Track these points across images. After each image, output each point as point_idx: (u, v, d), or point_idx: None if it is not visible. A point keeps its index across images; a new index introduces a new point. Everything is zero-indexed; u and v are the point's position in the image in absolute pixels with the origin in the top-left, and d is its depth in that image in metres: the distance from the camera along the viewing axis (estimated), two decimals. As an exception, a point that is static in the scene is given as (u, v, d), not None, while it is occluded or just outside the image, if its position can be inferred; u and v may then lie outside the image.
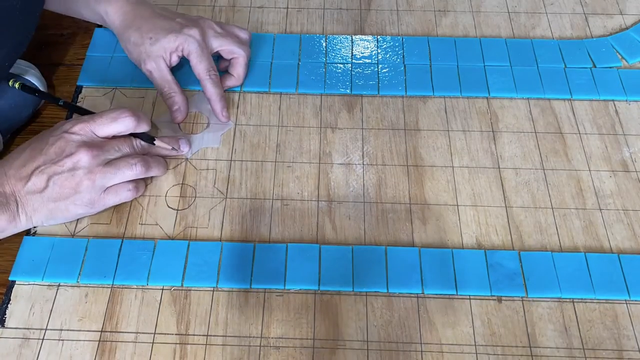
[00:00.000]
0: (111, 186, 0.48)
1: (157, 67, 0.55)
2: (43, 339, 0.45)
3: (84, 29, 0.65)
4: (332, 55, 0.61)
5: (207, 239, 0.50)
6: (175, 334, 0.45)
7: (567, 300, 0.47)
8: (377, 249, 0.49)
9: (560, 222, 0.51)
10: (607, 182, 0.53)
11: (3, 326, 0.45)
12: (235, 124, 0.57)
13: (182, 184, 0.53)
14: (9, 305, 0.46)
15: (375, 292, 0.47)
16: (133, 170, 0.49)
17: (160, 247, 0.49)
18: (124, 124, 0.49)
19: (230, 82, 0.58)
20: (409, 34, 0.64)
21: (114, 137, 0.49)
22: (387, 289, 0.47)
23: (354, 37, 0.63)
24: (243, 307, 0.46)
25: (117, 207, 0.51)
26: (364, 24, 0.65)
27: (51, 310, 0.46)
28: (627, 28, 0.64)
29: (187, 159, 0.54)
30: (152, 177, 0.53)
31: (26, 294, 0.47)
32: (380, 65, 0.61)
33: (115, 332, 0.45)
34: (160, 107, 0.58)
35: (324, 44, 0.62)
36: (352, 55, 0.61)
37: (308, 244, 0.49)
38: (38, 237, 0.49)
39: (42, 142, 0.47)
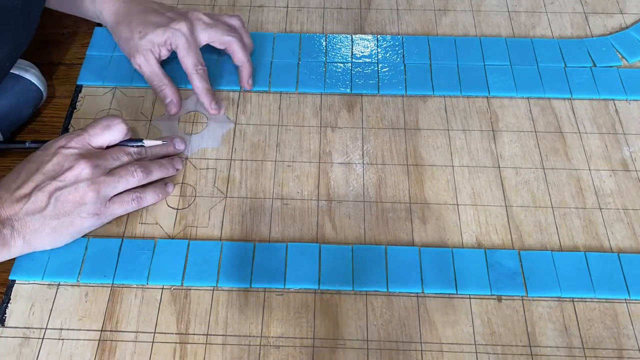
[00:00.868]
0: (115, 195, 0.48)
1: (146, 61, 0.55)
2: (43, 339, 0.45)
3: (84, 28, 0.65)
4: (332, 54, 0.61)
5: (207, 238, 0.50)
6: (175, 334, 0.45)
7: (567, 299, 0.47)
8: (377, 248, 0.49)
9: (560, 222, 0.51)
10: (607, 181, 0.53)
11: (3, 325, 0.45)
12: (235, 124, 0.57)
13: (182, 183, 0.53)
14: (9, 305, 0.46)
15: (375, 291, 0.47)
16: (135, 177, 0.48)
17: (160, 247, 0.49)
18: (117, 130, 0.49)
19: (243, 73, 0.58)
20: (409, 33, 0.64)
21: (108, 148, 0.49)
22: (387, 289, 0.47)
23: (354, 36, 0.63)
24: (243, 306, 0.46)
25: (117, 207, 0.51)
26: (364, 23, 0.65)
27: (51, 310, 0.46)
28: (627, 27, 0.64)
29: (186, 158, 0.54)
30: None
31: (26, 293, 0.47)
32: (380, 65, 0.61)
33: (115, 331, 0.45)
34: (161, 107, 0.58)
35: (324, 43, 0.62)
36: (352, 55, 0.61)
37: (308, 244, 0.49)
38: (38, 237, 0.49)
39: (37, 162, 0.46)
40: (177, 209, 0.51)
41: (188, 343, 0.45)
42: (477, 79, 0.59)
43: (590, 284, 0.47)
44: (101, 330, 0.45)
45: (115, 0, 0.56)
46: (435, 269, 0.48)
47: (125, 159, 0.49)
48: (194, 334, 0.45)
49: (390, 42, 0.62)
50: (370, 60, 0.61)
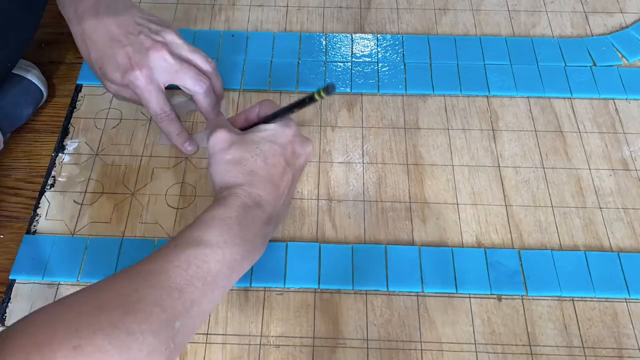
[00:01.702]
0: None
1: (123, 97, 0.53)
2: (43, 338, 0.45)
3: (84, 28, 0.65)
4: (332, 53, 0.61)
5: (207, 237, 0.50)
6: (176, 333, 0.45)
7: (567, 298, 0.47)
8: (377, 247, 0.49)
9: (560, 221, 0.51)
10: (607, 180, 0.53)
11: (3, 325, 0.45)
12: (235, 123, 0.57)
13: (182, 182, 0.53)
14: (9, 304, 0.46)
15: (375, 290, 0.47)
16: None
17: (161, 246, 0.49)
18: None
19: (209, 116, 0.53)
20: (409, 32, 0.64)
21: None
22: (387, 288, 0.47)
23: (354, 35, 0.63)
24: (243, 305, 0.46)
25: (117, 206, 0.51)
26: (364, 22, 0.65)
27: (51, 309, 0.46)
28: (627, 26, 0.64)
29: (186, 158, 0.54)
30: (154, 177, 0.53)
31: (26, 293, 0.47)
32: (380, 64, 0.61)
33: (115, 330, 0.45)
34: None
35: (324, 43, 0.62)
36: (352, 54, 0.61)
37: (308, 243, 0.49)
38: (38, 236, 0.49)
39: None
40: (177, 209, 0.51)
41: (188, 342, 0.45)
42: (477, 78, 0.59)
43: (590, 283, 0.47)
44: (101, 330, 0.45)
45: (88, 5, 0.50)
46: (435, 269, 0.48)
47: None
48: (194, 334, 0.45)
49: (390, 41, 0.62)
50: (370, 59, 0.61)
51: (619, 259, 0.48)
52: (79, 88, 0.59)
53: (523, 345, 0.45)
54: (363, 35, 0.63)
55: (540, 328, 0.46)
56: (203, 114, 0.53)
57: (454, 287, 0.47)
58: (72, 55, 0.63)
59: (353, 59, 0.61)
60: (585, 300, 0.47)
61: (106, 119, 0.57)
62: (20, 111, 0.55)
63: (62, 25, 0.65)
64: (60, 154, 0.54)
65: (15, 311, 0.46)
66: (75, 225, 0.50)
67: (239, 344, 0.45)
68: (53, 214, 0.51)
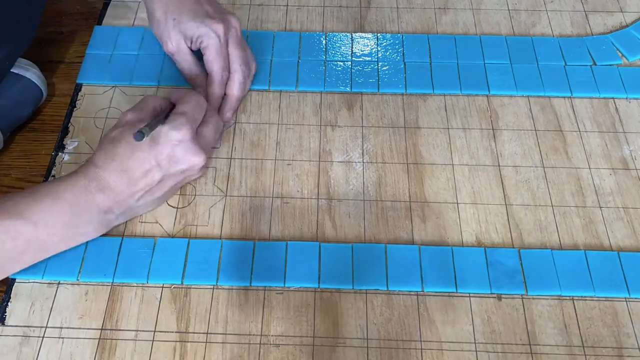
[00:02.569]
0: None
1: (178, 51, 0.54)
2: (43, 337, 0.45)
3: (84, 27, 0.65)
4: (332, 52, 0.61)
5: (207, 236, 0.50)
6: (175, 332, 0.45)
7: (567, 298, 0.47)
8: (377, 246, 0.49)
9: (560, 220, 0.51)
10: (607, 179, 0.53)
11: (3, 324, 0.45)
12: (235, 122, 0.57)
13: (182, 182, 0.53)
14: (9, 303, 0.46)
15: (375, 290, 0.47)
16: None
17: (160, 245, 0.49)
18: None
19: (227, 102, 0.55)
20: (409, 31, 0.64)
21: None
22: (387, 287, 0.47)
23: (354, 34, 0.63)
24: (243, 305, 0.46)
25: (117, 205, 0.51)
26: (363, 21, 0.65)
27: (51, 308, 0.46)
28: (627, 26, 0.64)
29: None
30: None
31: (26, 292, 0.47)
32: (380, 63, 0.60)
33: (115, 330, 0.45)
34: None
35: (323, 42, 0.62)
36: (352, 53, 0.61)
37: (308, 242, 0.49)
38: (38, 235, 0.49)
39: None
40: (177, 208, 0.51)
41: (188, 342, 0.45)
42: (477, 78, 0.59)
43: (590, 283, 0.47)
44: (101, 329, 0.45)
45: None
46: (435, 268, 0.48)
47: None
48: (194, 333, 0.45)
49: (390, 40, 0.62)
50: (370, 58, 0.61)
51: (619, 258, 0.48)
52: (78, 87, 0.59)
53: (523, 344, 0.45)
54: (363, 34, 0.63)
55: (540, 327, 0.46)
56: (230, 93, 0.55)
57: (454, 286, 0.47)
58: (72, 54, 0.63)
59: (353, 58, 0.61)
60: (585, 300, 0.47)
61: (106, 118, 0.57)
62: (20, 110, 0.55)
63: (62, 24, 0.65)
64: (60, 153, 0.54)
65: (15, 310, 0.46)
66: (75, 224, 0.50)
67: (239, 343, 0.45)
68: (53, 213, 0.51)
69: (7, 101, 0.54)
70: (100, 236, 0.49)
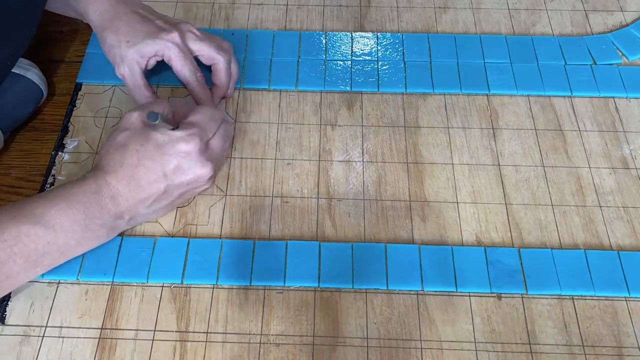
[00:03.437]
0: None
1: (131, 73, 0.52)
2: (43, 336, 0.45)
3: (84, 26, 0.65)
4: (331, 52, 0.61)
5: (207, 236, 0.50)
6: (175, 331, 0.45)
7: (567, 297, 0.47)
8: (377, 246, 0.49)
9: (560, 219, 0.51)
10: (607, 179, 0.53)
11: (3, 323, 0.45)
12: (235, 121, 0.57)
13: (182, 181, 0.53)
14: (9, 303, 0.46)
15: (375, 289, 0.47)
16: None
17: (160, 245, 0.49)
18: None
19: (216, 93, 0.56)
20: (409, 30, 0.64)
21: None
22: (387, 286, 0.47)
23: (353, 34, 0.63)
24: (243, 304, 0.46)
25: (117, 205, 0.51)
26: (363, 20, 0.65)
27: (51, 308, 0.46)
28: (627, 25, 0.64)
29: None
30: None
31: (26, 291, 0.47)
32: (380, 62, 0.60)
33: (115, 329, 0.45)
34: (160, 104, 0.57)
35: (323, 41, 0.62)
36: (352, 52, 0.61)
37: (308, 241, 0.49)
38: (38, 235, 0.49)
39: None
40: (177, 207, 0.51)
41: (188, 341, 0.45)
42: (477, 77, 0.59)
43: (590, 282, 0.47)
44: (101, 328, 0.45)
45: (100, 2, 0.53)
46: (435, 267, 0.48)
47: None
48: (194, 332, 0.45)
49: (390, 39, 0.62)
50: (370, 58, 0.61)
51: (619, 257, 0.48)
52: (78, 87, 0.59)
53: (523, 343, 0.45)
54: (363, 33, 0.63)
55: (540, 326, 0.46)
56: (218, 82, 0.55)
57: (454, 285, 0.47)
58: (72, 53, 0.63)
59: (353, 58, 0.61)
60: (585, 299, 0.47)
61: (106, 117, 0.57)
62: (20, 110, 0.55)
63: (62, 23, 0.65)
64: (60, 153, 0.54)
65: (15, 310, 0.46)
66: (75, 223, 0.50)
67: (239, 342, 0.45)
68: (53, 212, 0.51)
69: (7, 101, 0.54)
70: (100, 235, 0.49)
